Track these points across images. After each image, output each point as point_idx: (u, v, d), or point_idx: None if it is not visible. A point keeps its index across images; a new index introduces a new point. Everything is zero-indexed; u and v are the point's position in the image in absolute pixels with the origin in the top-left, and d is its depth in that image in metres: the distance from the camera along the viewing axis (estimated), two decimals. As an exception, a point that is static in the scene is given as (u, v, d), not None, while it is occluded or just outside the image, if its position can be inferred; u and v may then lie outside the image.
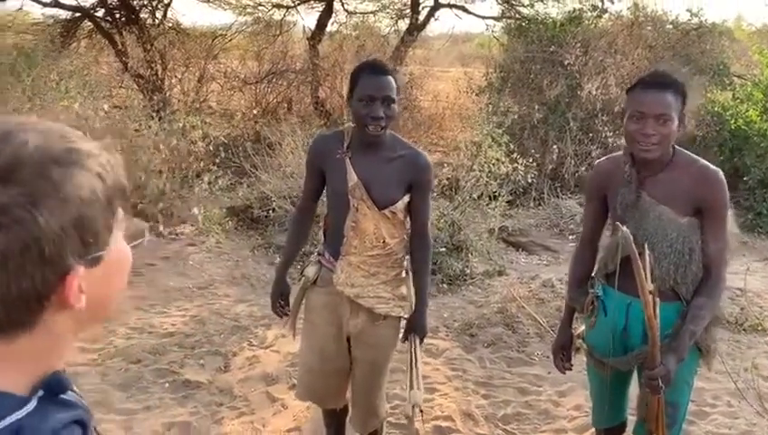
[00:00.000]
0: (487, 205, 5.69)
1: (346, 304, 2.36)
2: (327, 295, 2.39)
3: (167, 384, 3.43)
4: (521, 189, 6.90)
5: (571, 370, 2.34)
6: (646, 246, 1.94)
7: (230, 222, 5.95)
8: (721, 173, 2.02)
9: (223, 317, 4.25)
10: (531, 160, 6.30)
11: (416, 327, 2.40)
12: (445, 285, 4.92)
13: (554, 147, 7.87)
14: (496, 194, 5.80)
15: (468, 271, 5.15)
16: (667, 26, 9.08)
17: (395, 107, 2.22)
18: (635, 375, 2.18)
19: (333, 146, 2.31)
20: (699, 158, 2.07)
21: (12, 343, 0.69)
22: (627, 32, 9.02)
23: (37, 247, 0.65)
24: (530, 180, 6.60)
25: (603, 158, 2.30)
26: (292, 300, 2.53)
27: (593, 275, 2.22)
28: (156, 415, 3.15)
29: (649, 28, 9.01)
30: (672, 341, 1.94)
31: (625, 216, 2.05)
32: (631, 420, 2.30)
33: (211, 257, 5.39)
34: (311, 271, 2.43)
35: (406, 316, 2.41)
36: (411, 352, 2.36)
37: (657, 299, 1.88)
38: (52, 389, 0.73)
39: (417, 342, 2.40)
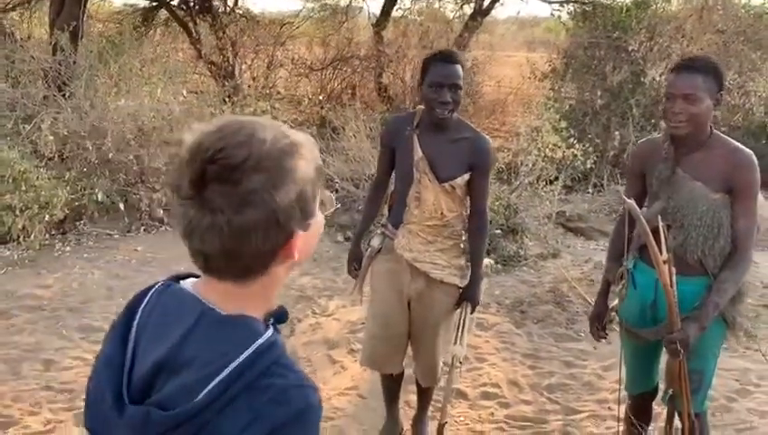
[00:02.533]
0: (543, 189, 5.80)
1: (406, 270, 2.60)
2: (389, 262, 2.64)
3: (238, 345, 3.77)
4: (580, 175, 6.97)
5: (605, 338, 2.52)
6: (660, 219, 2.10)
7: (296, 202, 6.27)
8: (753, 156, 2.15)
9: (289, 288, 4.58)
10: (588, 146, 6.35)
11: (468, 296, 2.63)
12: (499, 265, 5.10)
13: (616, 133, 7.85)
14: (553, 179, 5.91)
15: (522, 252, 5.31)
16: (739, 11, 8.84)
17: (461, 93, 2.45)
18: None
19: (404, 125, 2.57)
20: (734, 141, 2.21)
21: (250, 285, 0.94)
22: (696, 16, 8.85)
23: (275, 217, 0.88)
24: (590, 166, 6.67)
25: (644, 139, 2.46)
26: None
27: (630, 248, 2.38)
28: (229, 371, 3.49)
29: (720, 13, 8.80)
30: (696, 310, 2.10)
31: (660, 190, 2.22)
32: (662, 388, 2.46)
33: (278, 234, 5.73)
34: (376, 241, 2.70)
35: (461, 286, 2.63)
36: (461, 317, 2.60)
37: (673, 269, 2.04)
38: (279, 318, 0.98)
39: (468, 310, 2.64)
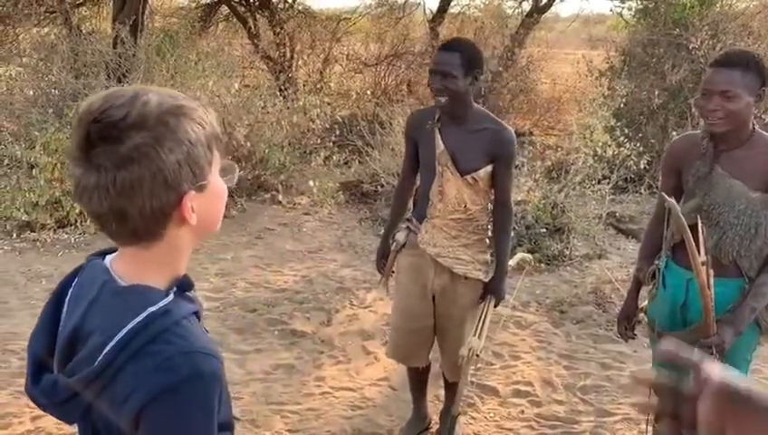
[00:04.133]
0: (591, 189, 5.69)
1: (431, 265, 2.60)
2: (414, 257, 2.65)
3: (276, 332, 3.86)
4: (634, 176, 6.79)
5: (633, 338, 2.46)
6: (699, 217, 2.04)
7: (342, 195, 6.36)
8: None
9: (329, 279, 4.65)
10: (640, 145, 6.17)
11: (492, 290, 2.62)
12: (542, 265, 5.03)
13: (673, 133, 7.60)
14: (601, 178, 5.78)
15: (568, 252, 5.22)
16: (812, 7, 8.42)
17: (457, 82, 2.40)
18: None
19: (425, 119, 2.57)
20: None
21: (149, 250, 0.96)
22: (764, 14, 8.48)
23: (162, 175, 0.90)
24: (644, 166, 6.49)
25: (682, 134, 2.39)
26: None
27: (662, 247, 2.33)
28: (265, 356, 3.58)
29: (791, 9, 8.42)
30: (731, 314, 2.04)
31: (696, 187, 2.15)
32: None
33: (323, 226, 5.84)
34: (401, 236, 2.70)
35: (486, 280, 2.62)
36: (483, 311, 2.59)
37: (711, 271, 1.98)
38: (183, 287, 1.00)
39: (492, 304, 2.63)
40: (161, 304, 0.93)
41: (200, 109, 0.98)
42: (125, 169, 0.88)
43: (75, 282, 1.03)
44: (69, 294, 1.02)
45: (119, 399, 0.89)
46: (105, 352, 0.89)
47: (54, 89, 5.75)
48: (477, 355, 2.53)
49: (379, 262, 2.84)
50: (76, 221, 5.13)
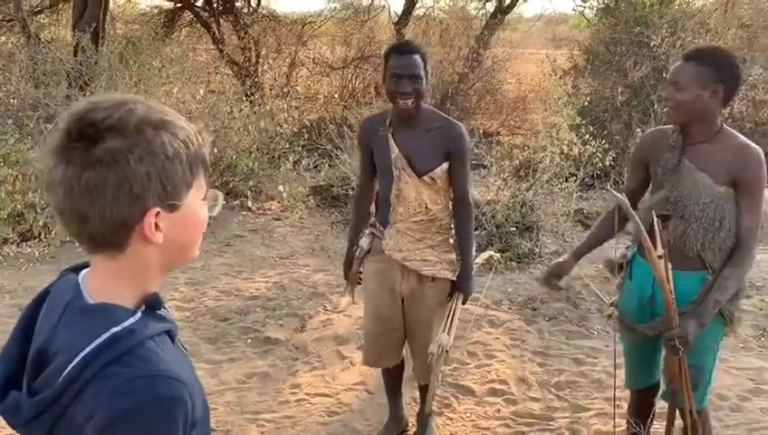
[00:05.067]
0: (558, 187, 5.75)
1: (397, 269, 2.60)
2: (380, 262, 2.64)
3: (249, 340, 3.82)
4: (600, 172, 6.89)
5: (561, 289, 2.49)
6: (654, 213, 2.08)
7: (312, 199, 6.33)
8: (761, 152, 2.11)
9: (302, 284, 4.62)
10: (605, 142, 6.26)
11: (460, 287, 2.62)
12: (513, 263, 5.07)
13: (638, 130, 7.74)
14: (568, 176, 5.86)
15: (538, 250, 5.27)
16: (765, 4, 8.66)
17: (422, 83, 2.42)
18: None
19: (377, 125, 2.56)
20: (743, 136, 2.18)
21: (113, 261, 0.93)
22: (720, 11, 8.69)
23: (128, 184, 0.87)
24: (609, 163, 6.59)
25: (653, 129, 2.44)
26: None
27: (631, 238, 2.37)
28: (239, 366, 3.54)
29: (745, 7, 8.63)
30: (695, 306, 2.08)
31: (664, 179, 2.19)
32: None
33: (294, 231, 5.80)
34: (365, 242, 2.68)
35: (454, 279, 2.63)
36: (451, 308, 2.59)
37: (669, 264, 2.02)
38: (152, 305, 0.96)
39: (460, 300, 2.63)
40: (126, 323, 0.90)
41: (191, 130, 0.95)
42: (92, 169, 0.87)
43: (48, 298, 1.00)
44: (42, 309, 0.99)
45: (79, 421, 0.86)
46: (66, 371, 0.86)
47: (13, 99, 5.62)
48: (447, 352, 2.53)
49: (346, 270, 2.82)
50: (40, 234, 5.01)
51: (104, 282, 0.95)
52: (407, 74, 2.39)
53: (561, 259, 2.51)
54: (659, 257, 2.00)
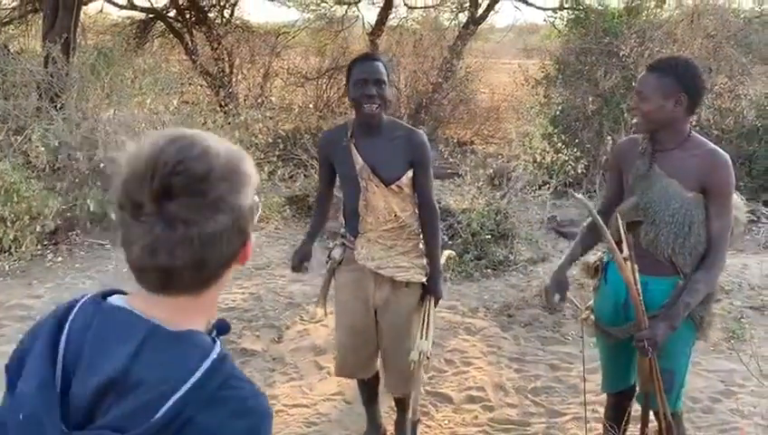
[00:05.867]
0: (532, 194, 5.83)
1: (370, 279, 2.61)
2: (352, 272, 2.64)
3: (226, 352, 3.79)
4: (572, 180, 6.99)
5: (561, 309, 2.53)
6: (618, 216, 2.14)
7: (288, 210, 6.32)
8: (728, 157, 2.17)
9: (278, 295, 4.61)
10: (577, 151, 6.36)
11: (430, 290, 2.65)
12: (489, 270, 5.12)
13: (608, 138, 7.88)
14: (541, 184, 5.94)
15: (513, 257, 5.33)
16: (730, 15, 8.89)
17: (386, 88, 2.46)
18: None
19: (338, 137, 2.58)
20: (711, 143, 2.24)
21: (200, 297, 0.94)
22: (686, 21, 8.90)
23: (239, 223, 0.91)
24: (581, 171, 6.69)
25: (626, 137, 2.50)
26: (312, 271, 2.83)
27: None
28: (215, 377, 3.51)
29: (711, 18, 8.85)
30: (666, 310, 2.12)
31: (635, 186, 2.25)
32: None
33: (270, 241, 5.78)
34: (336, 253, 2.68)
35: (425, 282, 2.65)
36: (425, 312, 2.61)
37: (636, 266, 2.07)
38: (221, 330, 0.98)
39: (432, 304, 2.66)
40: (217, 350, 0.91)
41: (246, 153, 0.99)
42: (214, 221, 0.88)
43: (72, 325, 0.93)
44: (64, 337, 0.93)
45: None
46: (173, 401, 0.85)
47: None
48: (428, 357, 2.55)
49: (295, 260, 2.77)
50: (10, 248, 4.92)
51: (181, 313, 0.93)
52: (371, 79, 2.42)
53: (550, 281, 2.49)
54: (625, 260, 2.04)
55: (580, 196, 2.20)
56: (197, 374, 0.87)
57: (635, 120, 2.23)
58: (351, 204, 2.58)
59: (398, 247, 2.58)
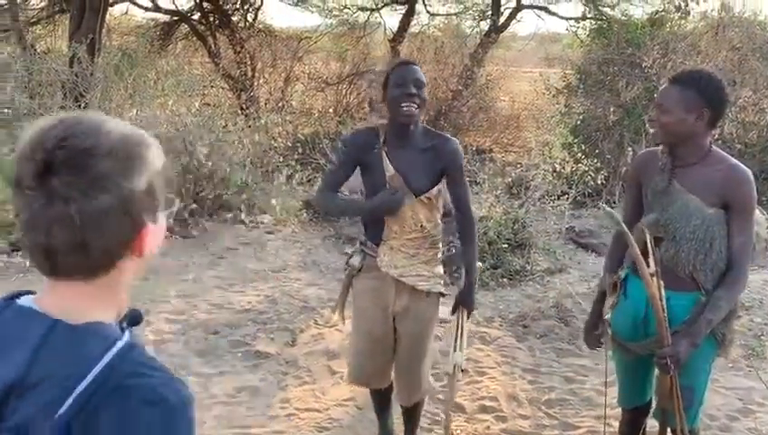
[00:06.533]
0: (550, 204, 5.79)
1: (391, 286, 2.57)
2: (372, 280, 2.60)
3: (240, 354, 3.80)
4: (592, 191, 6.94)
5: (600, 347, 2.51)
6: (647, 231, 2.11)
7: (305, 214, 6.34)
8: (750, 173, 2.14)
9: (293, 298, 4.62)
10: (597, 162, 6.32)
11: (464, 302, 2.63)
12: (505, 280, 5.09)
13: (629, 149, 7.81)
14: (561, 194, 5.90)
15: (530, 267, 5.29)
16: (755, 28, 8.79)
17: (425, 91, 2.44)
18: None
19: (370, 141, 2.52)
20: (732, 158, 2.21)
21: (94, 285, 0.91)
22: (711, 33, 8.81)
23: (127, 206, 0.87)
24: (601, 182, 6.64)
25: (645, 150, 2.47)
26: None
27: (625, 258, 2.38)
28: (229, 379, 3.53)
29: (736, 30, 8.75)
30: (687, 326, 2.09)
31: (654, 201, 2.22)
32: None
33: (286, 245, 5.80)
34: (356, 260, 2.64)
35: (444, 292, 2.64)
36: (458, 324, 2.59)
37: (661, 282, 2.04)
38: (133, 321, 0.96)
39: (465, 315, 2.64)
40: (125, 339, 0.90)
41: (154, 140, 0.96)
42: (94, 199, 0.84)
43: None
44: None
45: None
46: (75, 395, 0.83)
47: (8, 109, 5.61)
48: (463, 370, 2.52)
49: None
50: (29, 245, 4.98)
51: (81, 304, 0.91)
52: (411, 78, 2.40)
53: (587, 318, 2.51)
54: (651, 275, 2.01)
55: (609, 209, 2.16)
56: (100, 365, 0.85)
57: (653, 132, 2.20)
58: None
59: (420, 256, 2.55)
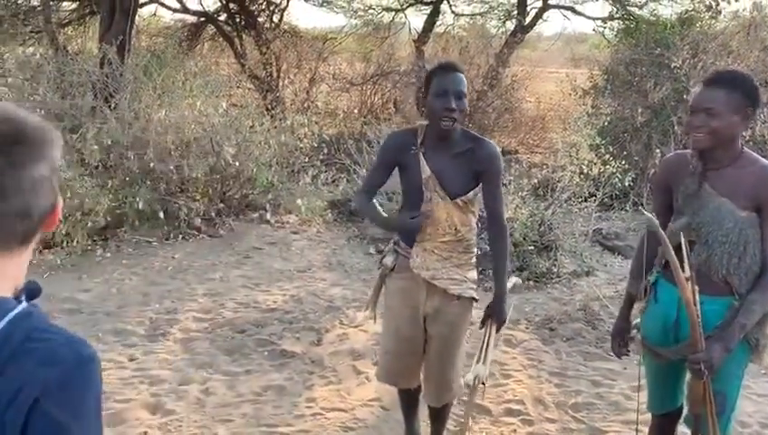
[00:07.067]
0: (577, 206, 5.74)
1: (422, 287, 2.56)
2: (404, 280, 2.60)
3: (266, 353, 3.83)
4: (619, 193, 6.86)
5: (627, 355, 2.48)
6: (682, 235, 2.07)
7: (330, 214, 6.37)
8: None
9: (319, 298, 4.64)
10: (625, 163, 6.24)
11: (493, 313, 2.58)
12: (531, 282, 5.06)
13: (657, 151, 7.70)
14: (588, 196, 5.84)
15: (556, 270, 5.25)
16: (788, 27, 8.61)
17: (466, 102, 2.41)
18: None
19: (408, 142, 2.52)
20: (763, 159, 2.17)
21: (11, 260, 0.94)
22: (743, 33, 8.66)
23: (53, 177, 0.95)
24: (629, 184, 6.56)
25: (673, 153, 2.43)
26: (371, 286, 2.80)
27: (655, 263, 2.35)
28: (255, 378, 3.55)
29: (768, 29, 8.59)
30: (721, 331, 2.06)
31: (685, 205, 2.18)
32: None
33: (311, 245, 5.83)
34: (389, 259, 2.64)
35: (477, 298, 2.62)
36: (485, 336, 2.56)
37: (696, 287, 2.01)
38: (31, 293, 0.97)
39: (494, 328, 2.59)
40: (21, 307, 0.92)
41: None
42: (37, 165, 0.92)
43: None
44: None
45: (1, 403, 0.86)
46: None
47: (40, 109, 5.72)
48: (483, 383, 2.49)
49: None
50: (62, 242, 5.08)
51: None
52: (453, 90, 2.37)
53: (614, 324, 2.48)
54: (687, 280, 1.98)
55: (649, 214, 2.13)
56: None
57: (696, 138, 2.09)
58: (412, 213, 2.53)
59: (453, 259, 2.53)
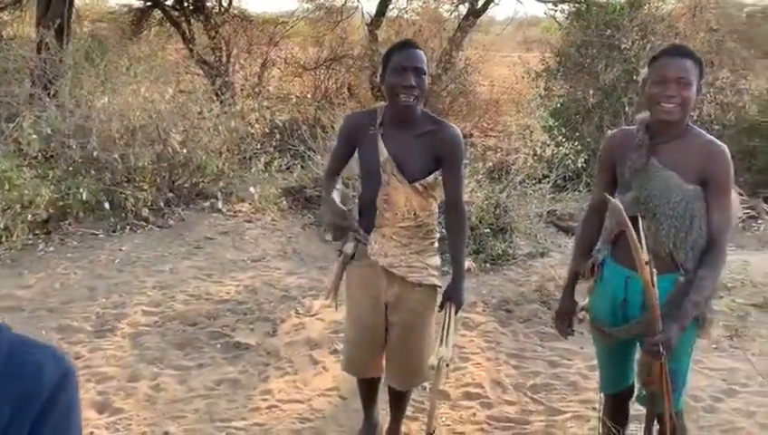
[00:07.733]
0: (531, 188, 5.76)
1: (382, 275, 2.49)
2: (364, 268, 2.52)
3: (219, 345, 3.72)
4: (572, 174, 6.92)
5: (572, 335, 2.47)
6: (639, 216, 2.06)
7: (284, 201, 6.24)
8: (727, 149, 2.10)
9: (273, 288, 4.53)
10: (578, 144, 6.30)
11: (451, 297, 2.52)
12: (487, 265, 5.05)
13: (609, 132, 7.80)
14: (542, 178, 5.87)
15: (511, 252, 5.26)
16: (732, 10, 8.81)
17: (425, 78, 2.33)
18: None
19: (365, 123, 2.44)
20: (708, 134, 2.17)
21: None
22: (689, 15, 8.82)
23: None
24: (581, 165, 6.62)
25: (617, 129, 2.41)
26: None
27: (599, 241, 2.33)
28: (208, 372, 3.44)
29: (713, 11, 8.76)
30: (675, 310, 2.05)
31: (632, 180, 2.16)
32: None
33: (266, 233, 5.70)
34: (349, 247, 2.55)
35: (440, 284, 2.56)
36: (445, 319, 2.50)
37: (654, 270, 1.99)
38: None
39: (453, 311, 2.52)
40: None
41: None
42: None
43: None
44: None
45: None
46: None
47: (-26, 97, 5.44)
48: (447, 365, 2.43)
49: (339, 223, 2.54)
50: (1, 237, 4.84)
51: None
52: (411, 67, 2.29)
53: (559, 304, 2.48)
54: (646, 263, 1.96)
55: (614, 200, 2.09)
56: None
57: (668, 108, 2.04)
58: (370, 196, 2.45)
59: (412, 246, 2.46)
